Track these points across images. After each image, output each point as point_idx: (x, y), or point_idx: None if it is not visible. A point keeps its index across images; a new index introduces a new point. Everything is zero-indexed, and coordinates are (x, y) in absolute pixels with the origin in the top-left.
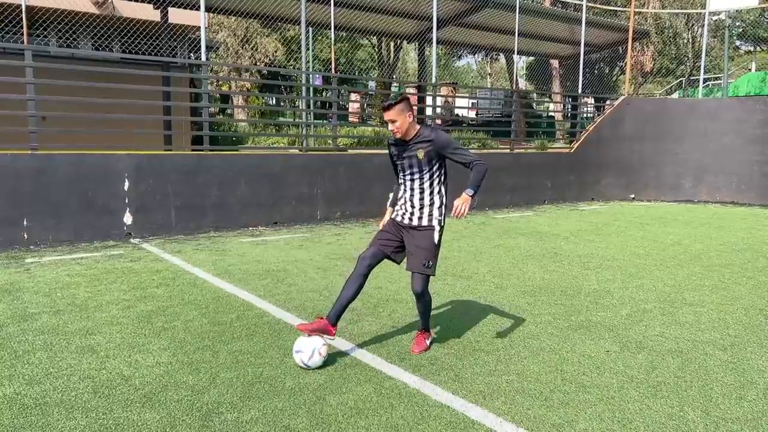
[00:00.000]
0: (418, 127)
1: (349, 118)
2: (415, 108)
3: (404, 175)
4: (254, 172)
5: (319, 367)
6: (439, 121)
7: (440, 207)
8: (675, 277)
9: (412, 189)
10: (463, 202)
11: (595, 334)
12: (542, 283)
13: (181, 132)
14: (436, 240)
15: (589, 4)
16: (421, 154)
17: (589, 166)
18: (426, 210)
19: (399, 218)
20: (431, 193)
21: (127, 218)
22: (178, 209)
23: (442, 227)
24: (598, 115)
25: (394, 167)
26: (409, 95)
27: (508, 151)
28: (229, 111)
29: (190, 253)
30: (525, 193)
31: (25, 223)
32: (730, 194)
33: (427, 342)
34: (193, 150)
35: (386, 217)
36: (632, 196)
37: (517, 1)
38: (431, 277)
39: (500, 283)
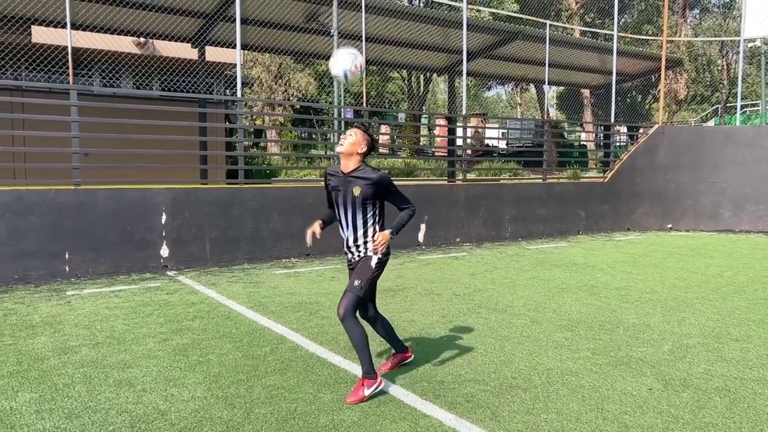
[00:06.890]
0: (362, 164)
1: (379, 150)
2: (369, 149)
3: (339, 210)
4: (287, 205)
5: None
6: (469, 152)
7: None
8: (719, 311)
9: (347, 225)
10: (383, 238)
11: (636, 371)
12: (579, 317)
13: (217, 166)
14: (373, 264)
15: (620, 34)
16: (357, 191)
17: (623, 195)
18: (362, 248)
19: (348, 263)
20: (365, 232)
21: (164, 251)
22: (213, 241)
23: (380, 260)
24: (632, 143)
25: (329, 198)
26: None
27: (540, 180)
28: (262, 144)
29: (225, 286)
30: (558, 223)
31: (66, 256)
32: None
33: (391, 365)
34: (227, 183)
35: (315, 227)
36: (669, 225)
37: (547, 33)
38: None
39: (536, 317)
